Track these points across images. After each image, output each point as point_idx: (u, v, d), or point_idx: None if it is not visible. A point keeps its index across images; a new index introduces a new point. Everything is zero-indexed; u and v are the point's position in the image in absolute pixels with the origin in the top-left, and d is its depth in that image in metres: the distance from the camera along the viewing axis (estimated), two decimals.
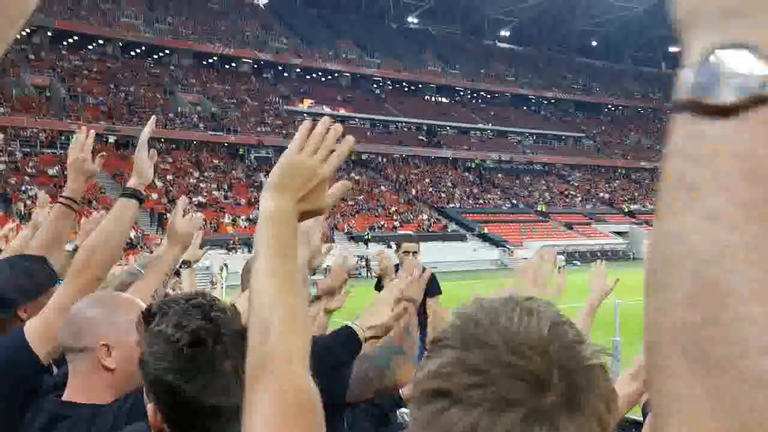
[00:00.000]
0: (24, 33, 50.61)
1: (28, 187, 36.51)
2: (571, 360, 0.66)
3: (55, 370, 2.02)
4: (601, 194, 57.59)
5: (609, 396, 0.68)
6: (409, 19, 70.11)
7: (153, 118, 2.33)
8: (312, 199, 1.14)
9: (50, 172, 38.75)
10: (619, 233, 49.01)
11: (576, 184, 59.46)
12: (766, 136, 0.45)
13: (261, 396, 0.98)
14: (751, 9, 0.47)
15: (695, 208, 0.45)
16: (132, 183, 2.20)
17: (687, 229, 0.45)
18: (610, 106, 73.65)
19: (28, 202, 35.25)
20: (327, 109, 56.33)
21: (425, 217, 46.33)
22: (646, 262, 0.48)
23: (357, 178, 50.19)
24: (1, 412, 1.75)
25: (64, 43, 49.89)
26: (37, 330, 1.86)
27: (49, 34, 48.04)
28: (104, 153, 2.47)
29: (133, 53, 53.16)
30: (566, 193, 57.18)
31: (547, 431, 0.62)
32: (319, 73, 60.50)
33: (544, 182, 58.21)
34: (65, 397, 1.68)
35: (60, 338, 1.74)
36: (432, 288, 5.89)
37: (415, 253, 5.80)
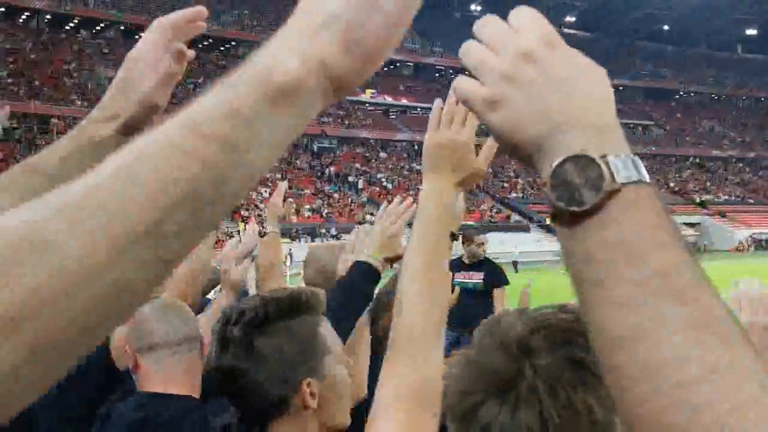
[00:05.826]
0: (98, 27, 52.37)
1: None
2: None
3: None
4: (671, 184, 55.73)
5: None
6: (472, 7, 69.25)
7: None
8: (465, 166, 1.17)
9: None
10: (689, 224, 47.34)
11: None
12: (629, 222, 0.52)
13: (387, 373, 1.04)
14: (575, 122, 0.58)
15: (607, 300, 0.50)
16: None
17: (607, 319, 0.50)
18: (681, 93, 71.07)
19: None
20: (389, 99, 56.26)
21: (487, 207, 45.85)
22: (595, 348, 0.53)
23: (418, 168, 50.05)
24: (77, 406, 1.82)
25: (136, 37, 51.21)
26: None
27: (122, 28, 49.68)
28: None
29: (201, 45, 54.37)
30: None
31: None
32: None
33: None
34: (160, 390, 1.70)
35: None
36: (499, 279, 5.83)
37: (482, 243, 5.84)
